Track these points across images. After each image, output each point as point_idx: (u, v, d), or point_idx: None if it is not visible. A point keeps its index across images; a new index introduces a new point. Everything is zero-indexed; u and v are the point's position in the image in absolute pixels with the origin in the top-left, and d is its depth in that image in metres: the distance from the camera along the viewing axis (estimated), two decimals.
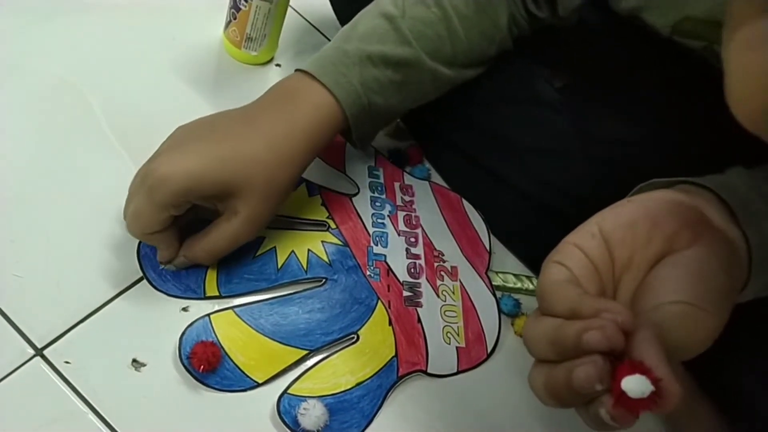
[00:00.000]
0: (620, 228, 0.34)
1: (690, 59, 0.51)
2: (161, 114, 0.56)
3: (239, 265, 0.49)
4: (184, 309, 0.46)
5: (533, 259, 0.58)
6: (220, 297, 0.47)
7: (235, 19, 0.60)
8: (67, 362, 0.41)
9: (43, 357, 0.41)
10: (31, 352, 0.41)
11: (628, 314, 0.28)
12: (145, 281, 0.46)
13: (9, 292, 0.43)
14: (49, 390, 0.40)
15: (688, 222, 0.34)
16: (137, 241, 0.47)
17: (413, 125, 0.64)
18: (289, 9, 0.62)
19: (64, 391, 0.41)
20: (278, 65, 0.65)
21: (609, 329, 0.27)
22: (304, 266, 0.50)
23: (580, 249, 0.34)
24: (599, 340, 0.27)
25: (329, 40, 0.69)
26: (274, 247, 0.50)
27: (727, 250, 0.35)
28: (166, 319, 0.45)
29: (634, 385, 0.26)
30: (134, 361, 0.43)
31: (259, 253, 0.50)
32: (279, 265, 0.50)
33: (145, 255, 0.47)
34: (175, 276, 0.47)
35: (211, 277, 0.48)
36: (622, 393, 0.27)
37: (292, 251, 0.51)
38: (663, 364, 0.27)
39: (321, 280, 0.50)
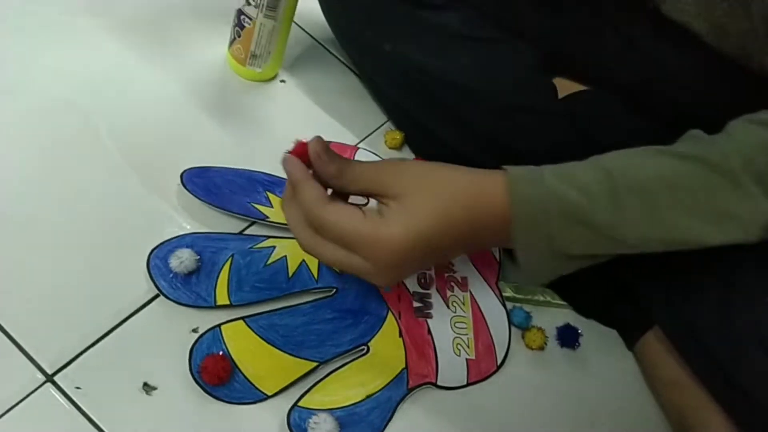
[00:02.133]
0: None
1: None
2: (167, 132, 0.56)
3: (250, 274, 0.48)
4: (194, 330, 0.45)
5: None
6: (230, 306, 0.47)
7: (239, 36, 0.59)
8: (78, 388, 0.41)
9: (54, 383, 0.41)
10: (42, 378, 0.41)
11: (321, 142, 0.42)
12: (153, 304, 0.46)
13: (17, 317, 0.43)
14: (61, 417, 0.40)
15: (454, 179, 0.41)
16: (145, 260, 0.47)
17: (412, 135, 0.63)
18: (293, 24, 0.62)
19: (76, 418, 0.40)
20: (283, 81, 0.64)
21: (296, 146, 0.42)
22: (315, 275, 0.50)
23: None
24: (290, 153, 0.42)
25: (333, 54, 0.69)
26: (285, 256, 0.50)
27: (476, 193, 0.41)
28: (176, 341, 0.44)
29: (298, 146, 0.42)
30: (145, 384, 0.42)
31: (269, 261, 0.49)
32: (290, 274, 0.49)
33: (154, 266, 0.46)
34: (185, 284, 0.46)
35: (222, 285, 0.47)
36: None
37: (303, 260, 0.50)
38: (319, 143, 0.41)
39: (332, 290, 0.50)
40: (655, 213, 0.41)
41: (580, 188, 0.41)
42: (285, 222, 0.51)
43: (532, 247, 0.41)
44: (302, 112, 0.63)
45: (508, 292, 0.55)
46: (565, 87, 0.63)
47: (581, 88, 0.63)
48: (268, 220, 0.52)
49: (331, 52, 0.70)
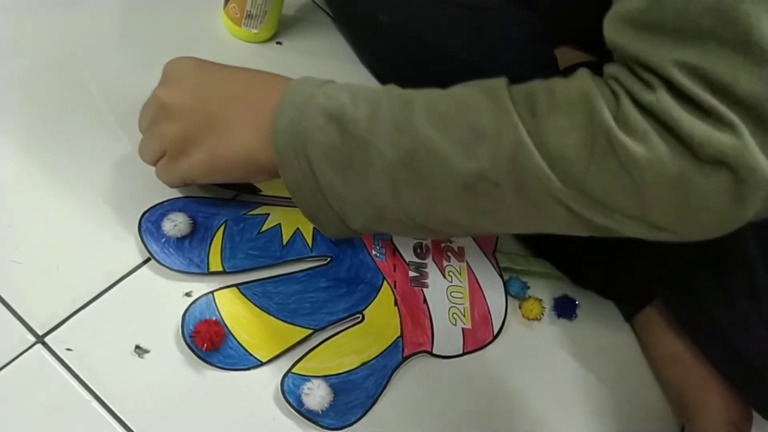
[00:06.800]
0: None
1: None
2: None
3: (243, 241, 0.48)
4: (187, 294, 0.45)
5: (534, 240, 0.57)
6: (224, 273, 0.46)
7: None
8: (68, 349, 0.41)
9: (45, 344, 0.41)
10: (32, 339, 0.41)
11: None
12: (146, 267, 0.45)
13: (8, 279, 0.42)
14: (51, 378, 0.40)
15: None
16: (138, 219, 0.46)
17: None
18: None
19: (67, 378, 0.40)
20: (279, 43, 0.63)
21: None
22: (310, 244, 0.49)
23: None
24: None
25: (330, 16, 0.67)
26: (279, 223, 0.49)
27: (268, 76, 0.47)
28: (168, 305, 0.44)
29: None
30: (137, 347, 0.42)
31: (263, 229, 0.49)
32: (284, 242, 0.49)
33: (146, 230, 0.45)
34: (178, 249, 0.46)
35: (215, 251, 0.47)
36: None
37: (297, 228, 0.50)
38: None
39: (326, 259, 0.49)
40: (406, 121, 0.39)
41: (351, 93, 0.41)
42: (278, 195, 0.51)
43: (288, 137, 0.41)
44: (299, 75, 0.61)
45: (505, 263, 0.55)
46: (567, 58, 0.61)
47: (584, 58, 0.62)
48: (260, 193, 0.51)
49: (329, 14, 0.68)
